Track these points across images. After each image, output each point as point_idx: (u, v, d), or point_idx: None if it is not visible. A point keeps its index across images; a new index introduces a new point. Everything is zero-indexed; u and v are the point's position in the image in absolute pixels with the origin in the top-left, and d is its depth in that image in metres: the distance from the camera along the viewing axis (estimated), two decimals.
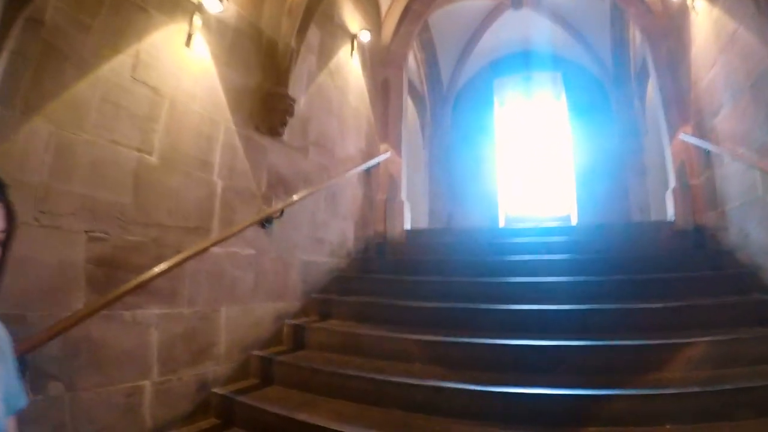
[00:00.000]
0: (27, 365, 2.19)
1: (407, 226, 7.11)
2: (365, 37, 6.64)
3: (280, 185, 4.88)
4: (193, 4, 3.89)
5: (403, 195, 7.22)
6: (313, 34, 5.53)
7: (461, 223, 10.11)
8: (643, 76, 8.57)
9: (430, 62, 10.53)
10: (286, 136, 4.92)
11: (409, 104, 10.96)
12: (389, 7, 7.55)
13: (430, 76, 10.74)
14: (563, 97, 10.40)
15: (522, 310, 3.87)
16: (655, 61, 6.20)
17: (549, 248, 5.20)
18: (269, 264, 4.58)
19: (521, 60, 10.72)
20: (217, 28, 4.19)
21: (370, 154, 6.88)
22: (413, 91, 10.87)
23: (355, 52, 6.63)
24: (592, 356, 3.20)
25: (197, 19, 3.90)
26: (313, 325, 4.53)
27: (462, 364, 3.44)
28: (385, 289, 5.05)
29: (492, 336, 3.56)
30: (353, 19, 6.61)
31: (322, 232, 5.57)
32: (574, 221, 9.56)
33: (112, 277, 2.95)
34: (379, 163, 6.96)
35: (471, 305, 4.09)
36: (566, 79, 10.39)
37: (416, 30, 7.82)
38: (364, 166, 6.53)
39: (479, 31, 10.01)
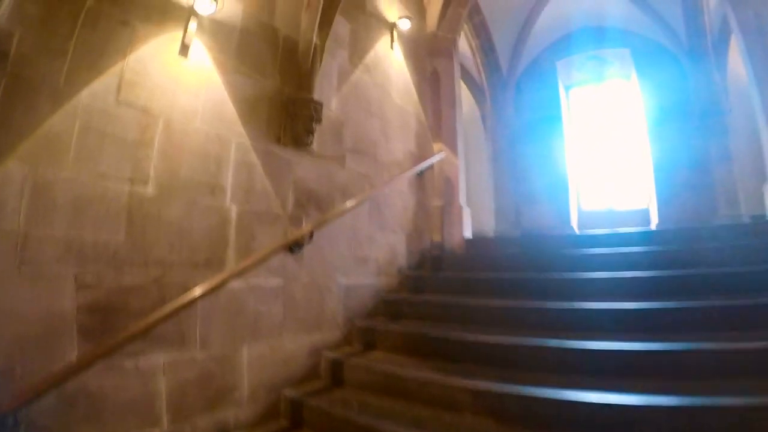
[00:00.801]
0: (18, 421, 2.26)
1: (467, 234, 6.51)
2: (405, 25, 6.07)
3: (311, 202, 4.42)
4: (185, 8, 3.49)
5: (462, 199, 6.61)
6: (342, 27, 5.08)
7: (530, 222, 9.73)
8: (721, 47, 8.02)
9: (486, 48, 9.91)
10: (315, 146, 4.46)
11: (467, 95, 10.57)
12: None
13: (486, 63, 10.14)
14: (634, 75, 9.51)
15: (599, 350, 3.19)
16: (741, 26, 5.33)
17: (627, 262, 4.41)
18: (301, 292, 4.19)
19: (584, 37, 9.94)
20: (218, 32, 3.77)
21: (421, 156, 6.31)
22: (470, 80, 10.54)
23: (396, 42, 6.08)
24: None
25: (192, 25, 3.50)
26: (352, 361, 4.02)
27: (520, 420, 2.85)
28: (438, 314, 4.49)
29: (559, 383, 2.94)
30: (390, 7, 6.05)
31: (367, 249, 5.09)
32: (653, 216, 8.77)
33: (109, 323, 2.77)
34: (432, 166, 6.39)
35: (536, 341, 3.43)
36: (636, 55, 9.47)
37: (465, 12, 7.14)
38: (414, 171, 5.98)
39: (536, 9, 9.38)
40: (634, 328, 3.38)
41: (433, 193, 6.52)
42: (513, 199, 10.14)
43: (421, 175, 6.26)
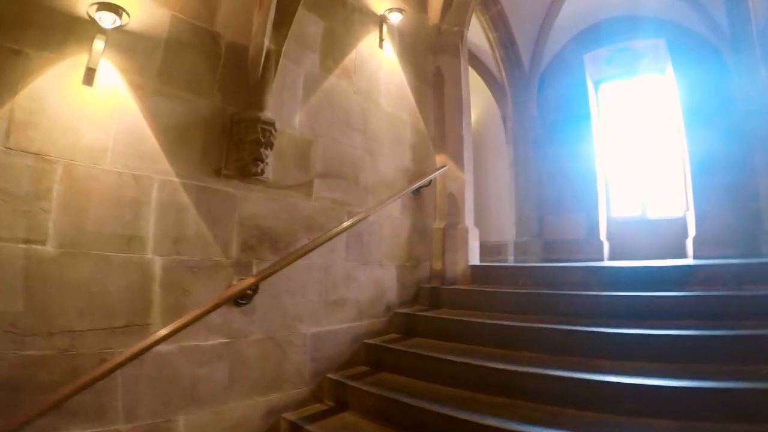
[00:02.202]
0: None
1: (473, 259, 5.79)
2: (396, 18, 5.34)
3: (265, 243, 3.79)
4: (91, 23, 2.89)
5: (468, 219, 5.89)
6: (313, 25, 4.43)
7: (555, 232, 9.34)
8: None
9: (505, 42, 9.24)
10: (269, 175, 3.79)
11: (486, 94, 10.09)
12: None
13: (507, 59, 9.46)
14: (669, 69, 8.77)
15: None
16: None
17: (661, 311, 3.74)
18: (252, 350, 3.65)
19: (613, 28, 9.27)
20: (134, 48, 3.14)
21: (419, 171, 5.64)
22: (490, 77, 9.96)
23: (387, 40, 5.38)
24: None
25: (98, 43, 2.90)
26: (312, 426, 3.49)
27: None
28: (426, 370, 3.85)
29: None
30: None
31: (344, 290, 4.48)
32: (690, 227, 8.21)
33: (13, 400, 2.46)
34: (431, 182, 5.71)
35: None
36: (672, 47, 8.75)
37: (474, 1, 6.38)
38: (409, 190, 5.30)
39: None
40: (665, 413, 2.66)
41: (433, 213, 5.87)
42: (536, 206, 9.59)
43: (418, 193, 5.60)
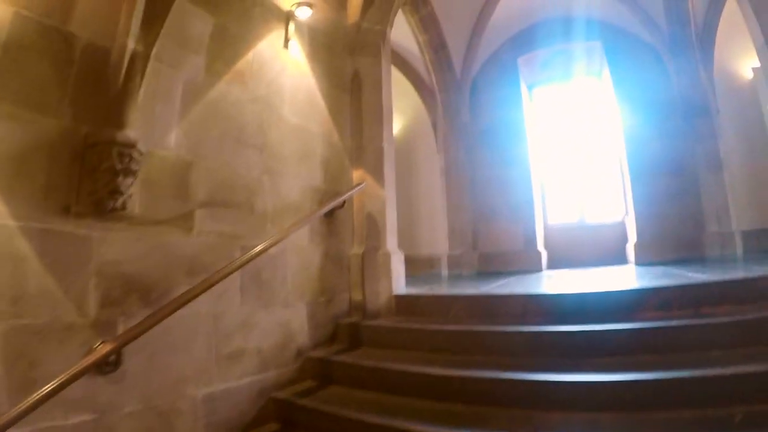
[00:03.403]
0: None
1: (398, 287, 5.43)
2: (304, 13, 4.87)
3: (133, 294, 3.22)
4: None
5: (391, 243, 5.51)
6: (199, 22, 3.90)
7: (490, 243, 9.38)
8: (707, 39, 7.89)
9: (436, 44, 9.13)
10: (134, 208, 3.24)
11: (416, 101, 9.97)
12: None
13: (437, 63, 9.33)
14: (606, 72, 9.02)
15: None
16: None
17: (612, 346, 3.51)
18: (127, 424, 3.08)
19: (549, 30, 9.43)
20: None
21: (332, 191, 5.21)
22: (419, 83, 10.02)
23: (294, 38, 4.91)
24: None
25: None
26: None
27: None
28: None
29: None
30: None
31: (239, 339, 3.97)
32: (630, 232, 8.49)
33: None
34: (345, 202, 5.29)
35: None
36: (608, 49, 9.01)
37: None
38: (318, 213, 4.85)
39: None
40: None
41: (350, 237, 5.47)
42: (469, 216, 9.51)
43: (331, 216, 5.17)
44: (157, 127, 3.48)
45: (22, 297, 2.70)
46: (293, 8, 4.83)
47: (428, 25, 8.90)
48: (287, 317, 4.48)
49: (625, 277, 5.84)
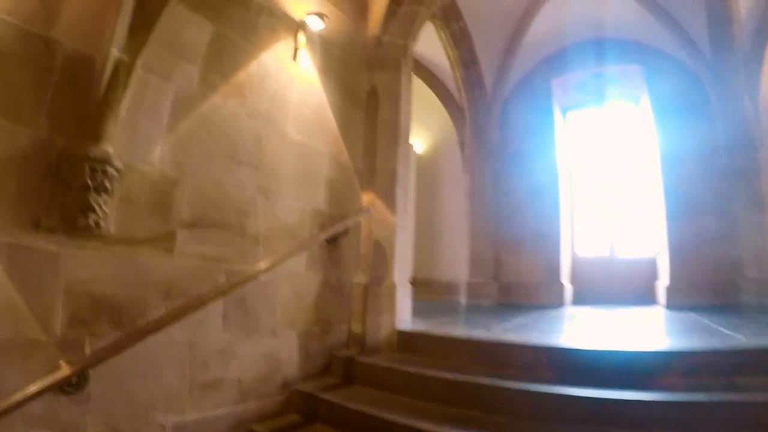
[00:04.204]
0: None
1: (403, 322, 5.37)
2: (316, 24, 4.89)
3: (103, 315, 3.25)
4: None
5: (398, 274, 5.45)
6: (194, 28, 3.93)
7: (512, 274, 9.35)
8: (753, 64, 7.49)
9: (467, 60, 9.19)
10: (110, 226, 3.26)
11: (444, 117, 10.02)
12: None
13: (467, 80, 9.39)
14: (645, 98, 8.87)
15: None
16: None
17: (629, 418, 3.28)
18: None
19: (586, 51, 9.33)
20: None
21: (337, 214, 5.20)
22: (449, 99, 10.07)
23: (305, 49, 4.93)
24: None
25: None
26: None
27: None
28: None
29: None
30: None
31: (217, 368, 3.96)
32: (662, 272, 8.25)
33: None
34: (348, 229, 5.25)
35: None
36: (648, 73, 8.83)
37: (423, 10, 5.93)
38: (318, 239, 4.87)
39: (528, 15, 8.75)
40: None
41: (354, 264, 5.44)
42: (492, 244, 9.51)
43: (334, 241, 5.14)
44: (141, 141, 3.50)
45: None
46: (305, 18, 4.84)
47: (459, 40, 8.95)
48: (274, 347, 4.46)
49: (651, 327, 5.68)
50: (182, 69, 3.85)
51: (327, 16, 4.93)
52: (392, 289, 5.32)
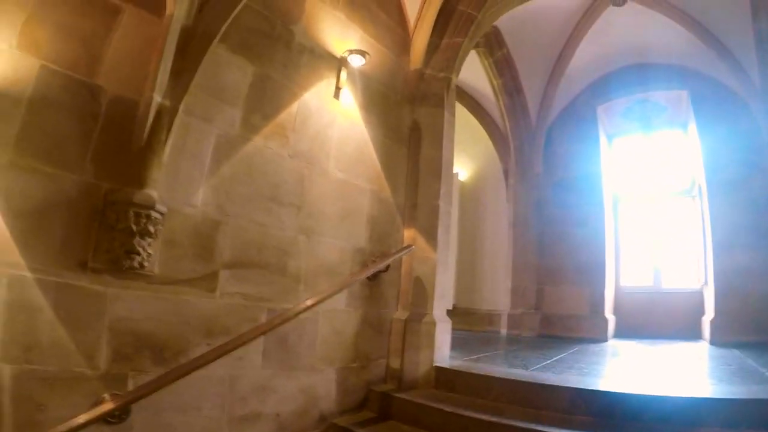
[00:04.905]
0: None
1: (441, 359, 5.38)
2: (357, 61, 5.00)
3: (145, 351, 3.38)
4: None
5: (438, 310, 5.47)
6: (235, 71, 4.07)
7: (554, 305, 9.31)
8: None
9: (510, 89, 9.26)
10: (154, 267, 3.40)
11: (488, 145, 10.17)
12: (421, 10, 5.88)
13: (512, 108, 9.44)
14: (692, 124, 8.75)
15: None
16: None
17: None
18: None
19: (631, 77, 9.31)
20: None
21: (378, 251, 5.26)
22: (493, 127, 10.09)
23: (346, 87, 5.04)
24: None
25: None
26: None
27: None
28: None
29: None
30: (343, 34, 5.06)
31: (256, 403, 4.04)
32: (708, 306, 8.09)
33: None
34: (389, 266, 5.29)
35: None
36: (695, 99, 8.71)
37: (467, 42, 6.00)
38: (358, 278, 4.92)
39: (572, 42, 8.72)
40: None
41: (394, 300, 5.50)
42: (534, 275, 9.48)
43: (375, 277, 5.20)
44: (184, 185, 3.64)
45: (34, 345, 2.91)
46: (345, 55, 4.98)
47: (503, 68, 9.01)
48: (312, 382, 4.52)
49: (693, 367, 5.58)
50: (224, 112, 3.98)
51: (368, 53, 5.02)
52: (432, 326, 5.33)
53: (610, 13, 8.07)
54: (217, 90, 3.90)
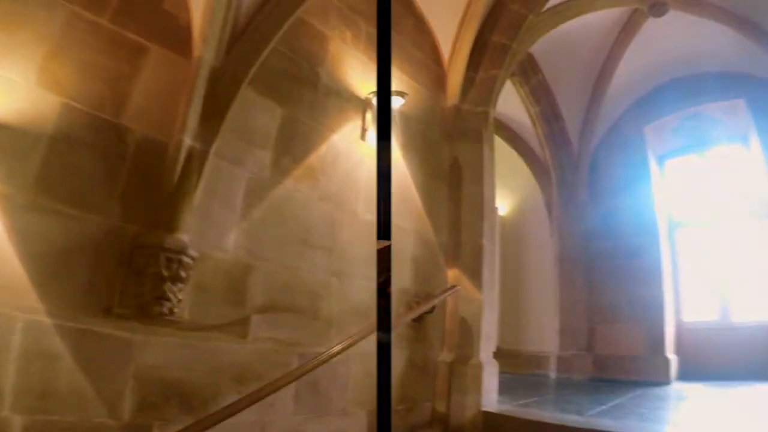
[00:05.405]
0: None
1: (489, 403, 5.20)
2: (395, 102, 4.94)
3: (173, 399, 3.30)
4: None
5: (484, 352, 5.34)
6: (264, 114, 4.10)
7: (608, 345, 8.71)
8: None
9: (549, 116, 8.98)
10: (184, 312, 3.35)
11: (528, 177, 9.95)
12: (455, 45, 5.86)
13: (551, 136, 9.16)
14: (754, 136, 8.02)
15: None
16: None
17: None
18: None
19: (680, 91, 8.74)
20: (5, 146, 2.81)
21: (422, 292, 5.18)
22: (532, 157, 9.80)
23: (373, 128, 5.00)
24: None
25: None
26: None
27: None
28: None
29: None
30: (370, 76, 5.03)
31: None
32: None
33: None
34: (434, 308, 5.18)
35: None
36: (754, 107, 7.97)
37: (502, 73, 5.98)
38: (404, 320, 4.88)
39: (611, 61, 8.32)
40: None
41: (440, 341, 5.39)
42: (585, 313, 8.99)
43: (419, 319, 5.13)
44: (215, 229, 3.61)
45: (51, 394, 2.82)
46: (371, 96, 4.92)
47: (540, 95, 8.78)
48: (344, 426, 4.39)
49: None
50: (254, 155, 3.98)
51: (407, 93, 4.99)
52: (478, 368, 5.18)
53: (651, 24, 7.66)
54: (246, 133, 3.91)
